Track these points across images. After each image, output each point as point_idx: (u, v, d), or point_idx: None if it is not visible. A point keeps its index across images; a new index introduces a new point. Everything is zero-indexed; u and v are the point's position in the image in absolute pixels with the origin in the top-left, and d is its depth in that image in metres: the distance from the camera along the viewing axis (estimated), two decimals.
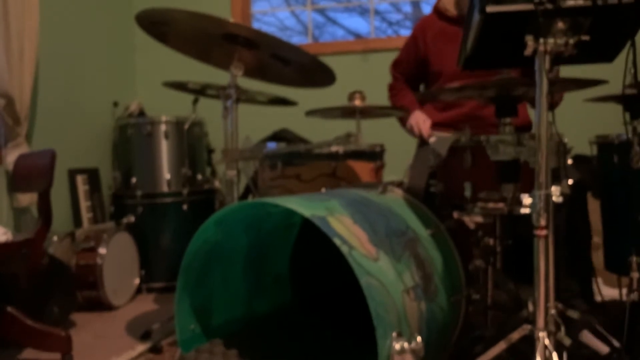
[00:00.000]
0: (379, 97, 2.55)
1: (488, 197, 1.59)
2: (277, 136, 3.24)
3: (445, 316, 1.57)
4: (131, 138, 3.14)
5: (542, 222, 1.32)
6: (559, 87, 1.82)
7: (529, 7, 1.25)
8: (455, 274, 1.69)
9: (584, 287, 1.94)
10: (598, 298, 1.93)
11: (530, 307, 1.39)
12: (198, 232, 1.49)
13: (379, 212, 1.57)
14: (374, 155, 2.11)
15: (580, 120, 2.55)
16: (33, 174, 2.03)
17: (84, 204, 3.15)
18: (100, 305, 2.67)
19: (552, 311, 1.36)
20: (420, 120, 2.29)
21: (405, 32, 3.84)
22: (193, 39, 2.09)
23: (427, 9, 3.78)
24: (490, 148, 1.57)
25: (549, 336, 1.35)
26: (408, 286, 1.41)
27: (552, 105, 2.11)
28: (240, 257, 1.69)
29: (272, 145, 3.04)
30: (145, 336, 2.23)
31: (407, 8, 3.88)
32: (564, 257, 1.83)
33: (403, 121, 2.47)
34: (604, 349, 1.65)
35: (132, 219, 3.02)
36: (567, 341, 1.35)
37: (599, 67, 1.47)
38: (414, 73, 2.53)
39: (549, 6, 1.23)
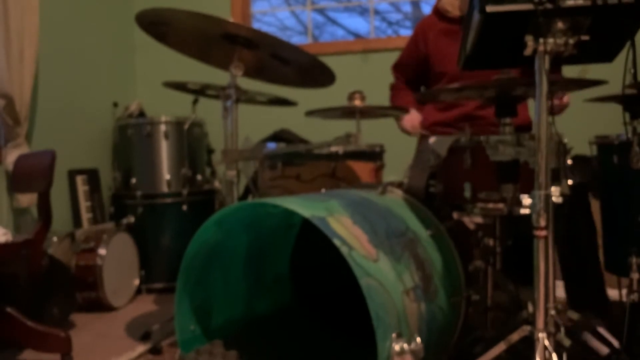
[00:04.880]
0: (379, 97, 2.55)
1: (488, 197, 1.59)
2: (277, 136, 3.24)
3: (445, 317, 1.57)
4: (131, 138, 3.14)
5: (542, 223, 1.31)
6: (560, 87, 1.82)
7: (528, 7, 1.24)
8: (455, 275, 1.68)
9: (596, 291, 1.93)
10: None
11: (530, 308, 1.39)
12: (198, 232, 1.48)
13: (378, 213, 1.57)
14: (374, 155, 2.11)
15: (580, 120, 2.55)
16: (33, 175, 2.03)
17: (83, 204, 3.15)
18: (100, 306, 2.67)
19: (552, 312, 1.36)
20: (412, 118, 2.33)
21: (405, 32, 3.84)
22: (193, 39, 2.09)
23: (427, 9, 3.78)
24: (489, 148, 1.57)
25: (548, 337, 1.34)
26: (408, 287, 1.40)
27: (557, 110, 2.12)
28: (240, 257, 1.69)
29: (271, 146, 3.03)
30: (145, 337, 2.23)
31: (407, 8, 3.88)
32: (572, 260, 1.83)
33: (399, 122, 2.48)
34: (603, 349, 1.65)
35: (132, 219, 3.02)
36: (566, 342, 1.35)
37: (598, 66, 1.47)
38: (414, 75, 2.53)
39: (549, 6, 1.23)
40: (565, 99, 2.12)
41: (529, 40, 1.28)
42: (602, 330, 1.62)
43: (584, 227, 1.93)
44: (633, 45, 1.37)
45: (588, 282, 1.93)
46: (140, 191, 3.08)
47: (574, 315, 1.48)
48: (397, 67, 2.59)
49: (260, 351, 1.66)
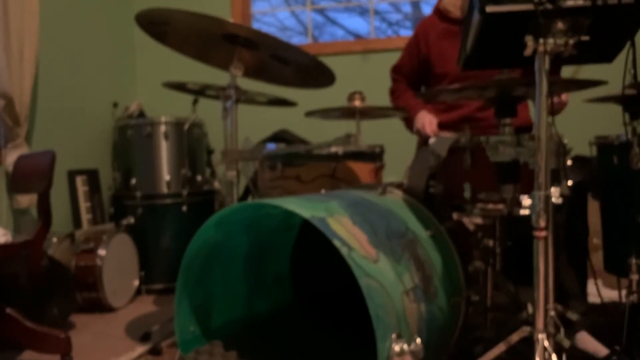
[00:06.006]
0: (379, 97, 2.54)
1: (488, 198, 1.59)
2: (277, 137, 3.24)
3: (444, 317, 1.57)
4: (131, 139, 3.14)
5: (542, 223, 1.31)
6: (559, 87, 1.82)
7: (528, 7, 1.24)
8: (455, 276, 1.68)
9: (579, 288, 1.94)
10: (596, 300, 1.93)
11: (530, 309, 1.39)
12: (198, 232, 1.48)
13: (378, 214, 1.57)
14: (374, 156, 2.10)
15: (580, 121, 2.55)
16: (33, 175, 2.03)
17: (83, 205, 3.15)
18: (100, 306, 2.67)
19: (552, 313, 1.36)
20: (427, 120, 2.28)
21: (405, 33, 3.84)
22: (193, 39, 2.09)
23: (427, 9, 3.78)
24: (489, 149, 1.57)
25: (548, 338, 1.35)
26: (408, 287, 1.40)
27: (556, 108, 2.11)
28: (240, 257, 1.69)
29: (271, 146, 3.03)
30: (144, 337, 2.23)
31: (407, 8, 3.88)
32: (563, 258, 1.83)
33: (408, 123, 2.46)
34: (602, 350, 1.65)
35: (131, 220, 3.02)
36: (566, 343, 1.35)
37: (598, 67, 1.47)
38: (416, 75, 2.51)
39: (549, 6, 1.23)
40: (564, 97, 2.12)
41: (529, 40, 1.28)
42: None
43: (580, 226, 1.93)
44: (633, 45, 1.37)
45: (573, 279, 1.93)
46: (140, 192, 3.08)
47: (573, 316, 1.48)
48: (398, 70, 2.57)
49: (260, 351, 1.66)
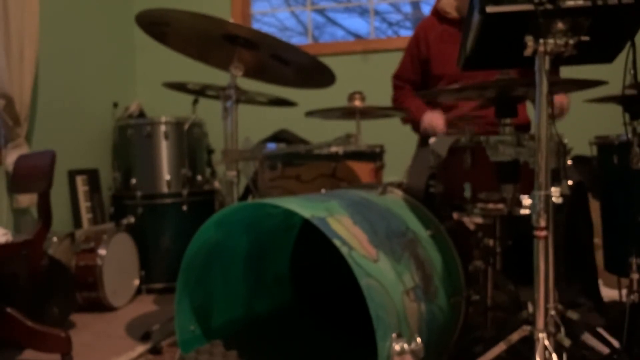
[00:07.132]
0: (379, 97, 2.55)
1: (488, 197, 1.59)
2: (277, 137, 3.25)
3: (445, 317, 1.57)
4: (131, 139, 3.14)
5: (542, 223, 1.31)
6: (559, 88, 1.82)
7: (528, 7, 1.24)
8: (455, 275, 1.68)
9: (590, 288, 1.94)
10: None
11: (530, 308, 1.39)
12: (198, 232, 1.48)
13: (378, 213, 1.57)
14: (374, 155, 2.11)
15: (580, 120, 2.55)
16: (33, 175, 2.03)
17: (83, 204, 3.15)
18: (100, 306, 2.67)
19: (552, 312, 1.36)
20: (434, 119, 2.28)
21: (405, 33, 3.84)
22: (193, 39, 2.09)
23: (427, 10, 3.78)
24: (490, 149, 1.57)
25: (548, 337, 1.35)
26: (408, 287, 1.40)
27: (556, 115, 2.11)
28: (240, 257, 1.69)
29: (271, 146, 3.03)
30: (145, 337, 2.23)
31: (407, 8, 3.88)
32: (568, 258, 1.83)
33: (413, 124, 2.45)
34: (603, 349, 1.65)
35: (132, 219, 3.02)
36: (566, 342, 1.35)
37: (598, 67, 1.47)
38: (419, 78, 2.49)
39: (549, 6, 1.23)
40: (565, 101, 2.11)
41: (529, 40, 1.28)
42: (601, 330, 1.62)
43: (583, 225, 1.93)
44: (633, 45, 1.37)
45: (584, 280, 1.93)
46: (140, 191, 3.08)
47: (573, 315, 1.48)
48: (399, 76, 2.54)
49: (260, 351, 1.66)
